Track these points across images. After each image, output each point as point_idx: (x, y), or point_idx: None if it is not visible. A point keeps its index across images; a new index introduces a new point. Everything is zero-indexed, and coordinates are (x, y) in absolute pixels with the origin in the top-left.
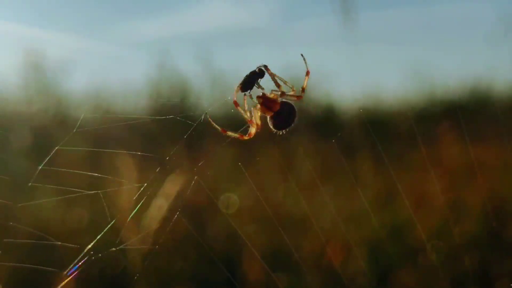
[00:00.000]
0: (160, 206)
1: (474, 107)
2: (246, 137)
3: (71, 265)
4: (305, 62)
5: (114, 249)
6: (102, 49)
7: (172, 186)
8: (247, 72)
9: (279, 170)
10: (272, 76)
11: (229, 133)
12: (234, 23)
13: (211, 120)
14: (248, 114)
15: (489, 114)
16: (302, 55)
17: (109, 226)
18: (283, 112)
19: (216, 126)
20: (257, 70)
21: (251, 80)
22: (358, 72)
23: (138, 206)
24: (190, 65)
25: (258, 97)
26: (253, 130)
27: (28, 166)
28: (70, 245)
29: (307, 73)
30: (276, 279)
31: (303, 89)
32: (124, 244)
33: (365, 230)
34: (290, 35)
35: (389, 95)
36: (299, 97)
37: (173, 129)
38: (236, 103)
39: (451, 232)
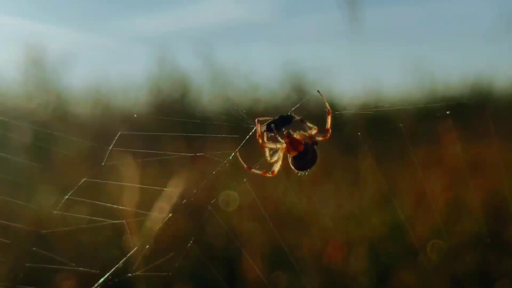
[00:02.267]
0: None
1: (475, 104)
2: (269, 175)
3: None
4: (325, 102)
5: (130, 275)
6: (102, 44)
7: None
8: (276, 116)
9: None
10: (301, 121)
11: (254, 170)
12: (235, 18)
13: (240, 158)
14: (271, 152)
15: (490, 110)
16: (319, 91)
17: (132, 252)
18: (307, 154)
19: (243, 163)
20: (286, 115)
21: (277, 123)
22: (360, 69)
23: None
24: (191, 61)
25: (285, 136)
26: (276, 168)
27: (28, 163)
28: (93, 271)
29: (329, 113)
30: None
31: (327, 130)
32: (141, 270)
33: (364, 229)
34: (292, 31)
35: (391, 92)
36: (325, 137)
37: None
38: (263, 145)
39: (451, 231)
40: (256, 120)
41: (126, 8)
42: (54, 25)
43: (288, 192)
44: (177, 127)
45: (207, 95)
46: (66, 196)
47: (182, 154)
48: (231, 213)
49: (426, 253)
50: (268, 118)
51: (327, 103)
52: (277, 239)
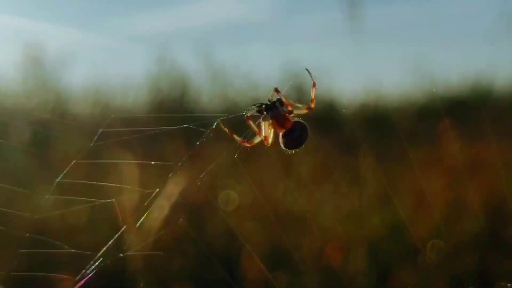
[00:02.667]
0: (161, 206)
1: (475, 104)
2: (247, 144)
3: (84, 272)
4: (310, 75)
5: (122, 255)
6: (101, 43)
7: (174, 187)
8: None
9: (279, 167)
10: (284, 98)
11: (235, 136)
12: (234, 18)
13: (221, 125)
14: (258, 128)
15: (490, 110)
16: (307, 69)
17: (120, 232)
18: (295, 131)
19: (225, 129)
20: (277, 100)
21: (270, 107)
22: (360, 68)
23: (147, 213)
24: (190, 60)
25: (270, 115)
26: (256, 140)
27: (28, 161)
28: (86, 252)
29: (314, 85)
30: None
31: (312, 101)
32: (133, 251)
33: (364, 229)
34: (292, 30)
35: (390, 91)
36: (309, 108)
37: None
38: (248, 118)
39: (450, 231)
40: (245, 118)
41: (126, 7)
42: (53, 24)
43: (287, 192)
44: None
45: (207, 94)
46: (57, 179)
47: (164, 128)
48: (230, 213)
49: (426, 253)
50: (254, 108)
51: (312, 76)
52: (276, 239)
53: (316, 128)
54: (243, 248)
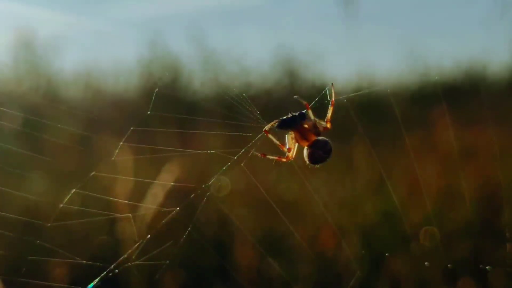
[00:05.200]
0: (157, 195)
1: (469, 89)
2: (284, 160)
3: (94, 283)
4: (332, 93)
5: (130, 264)
6: (93, 28)
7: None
8: (288, 115)
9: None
10: (310, 118)
11: (269, 156)
12: (226, 2)
13: (270, 136)
14: (280, 142)
15: (484, 95)
16: (332, 84)
17: (136, 245)
18: (321, 142)
19: (275, 141)
20: (297, 114)
21: (290, 121)
22: (353, 53)
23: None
24: (182, 45)
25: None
26: (291, 154)
27: (20, 147)
28: (97, 263)
29: (332, 104)
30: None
31: (327, 121)
32: (141, 260)
33: (357, 215)
34: (284, 14)
35: (384, 76)
36: (325, 128)
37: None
38: (267, 132)
39: (444, 218)
40: (263, 131)
41: None
42: (45, 8)
43: (280, 179)
44: (168, 111)
45: (199, 79)
46: (73, 190)
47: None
48: (223, 199)
49: (419, 240)
50: (274, 123)
51: (332, 94)
52: (269, 226)
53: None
54: (236, 234)
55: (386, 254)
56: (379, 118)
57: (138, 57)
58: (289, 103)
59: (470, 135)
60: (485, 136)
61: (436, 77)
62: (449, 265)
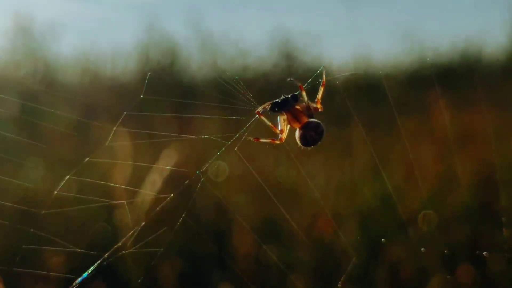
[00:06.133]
0: (153, 181)
1: (464, 71)
2: (278, 142)
3: (88, 272)
4: (324, 75)
5: (124, 252)
6: (90, 12)
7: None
8: (281, 96)
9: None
10: (303, 101)
11: (262, 140)
12: None
13: (263, 118)
14: (272, 123)
15: (480, 77)
16: (324, 66)
17: (131, 233)
18: (312, 123)
19: (268, 123)
20: (290, 96)
21: (282, 104)
22: (350, 35)
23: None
24: (179, 28)
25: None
26: (284, 135)
27: (16, 133)
28: (91, 252)
29: (323, 84)
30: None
31: (317, 101)
32: (135, 247)
33: (354, 201)
34: None
35: (381, 58)
36: (315, 109)
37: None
38: (259, 114)
39: (441, 202)
40: (256, 113)
41: None
42: None
43: (277, 164)
44: (166, 94)
45: (196, 62)
46: (67, 177)
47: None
48: (220, 185)
49: (417, 225)
50: (267, 106)
51: (324, 76)
52: (266, 211)
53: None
54: (233, 221)
55: (383, 240)
56: (376, 101)
57: (136, 41)
58: (286, 86)
59: (466, 118)
60: (481, 118)
61: (428, 58)
62: (445, 251)
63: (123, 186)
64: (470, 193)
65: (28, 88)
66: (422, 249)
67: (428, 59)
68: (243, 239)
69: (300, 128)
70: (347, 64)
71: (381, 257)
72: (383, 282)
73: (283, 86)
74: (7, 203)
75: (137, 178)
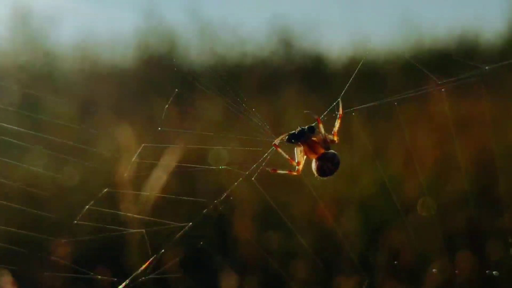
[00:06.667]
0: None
1: (462, 56)
2: (295, 173)
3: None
4: (340, 107)
5: (143, 278)
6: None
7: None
8: (298, 128)
9: (269, 126)
10: (320, 132)
11: (279, 171)
12: None
13: (280, 150)
14: (289, 156)
15: (477, 63)
16: (339, 100)
17: (152, 259)
18: (329, 154)
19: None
20: (306, 128)
21: (299, 135)
22: (348, 21)
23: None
24: (178, 15)
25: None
26: (300, 167)
27: (17, 121)
28: (111, 278)
29: (339, 117)
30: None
31: (335, 133)
32: (156, 272)
33: (354, 187)
34: None
35: (378, 45)
36: (332, 141)
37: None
38: (276, 146)
39: (441, 188)
40: (273, 145)
41: None
42: None
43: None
44: (165, 82)
45: (195, 49)
46: (87, 206)
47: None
48: (221, 171)
49: (417, 211)
50: (283, 137)
51: (341, 109)
52: (267, 198)
53: (304, 83)
54: (235, 207)
55: (383, 225)
56: (375, 87)
57: (135, 28)
58: (284, 71)
59: (464, 104)
60: (479, 105)
61: (416, 40)
62: (445, 236)
63: (138, 216)
64: (469, 179)
65: (28, 75)
66: (420, 234)
67: (425, 44)
68: (244, 225)
69: (317, 159)
70: (346, 50)
71: (381, 242)
72: (382, 267)
73: (282, 74)
74: (23, 232)
75: (143, 168)
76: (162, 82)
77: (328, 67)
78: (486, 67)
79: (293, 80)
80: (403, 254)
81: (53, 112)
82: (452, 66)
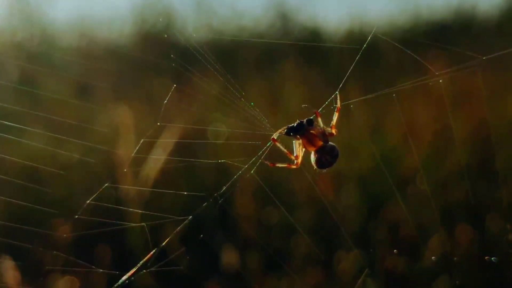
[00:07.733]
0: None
1: (459, 28)
2: (294, 166)
3: None
4: (338, 100)
5: (144, 271)
6: None
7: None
8: (296, 121)
9: (267, 102)
10: (318, 124)
11: (278, 164)
12: None
13: (278, 144)
14: (287, 150)
15: (474, 34)
16: (337, 93)
17: (151, 253)
18: (327, 146)
19: (283, 149)
20: (305, 121)
21: (298, 128)
22: None
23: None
24: None
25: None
26: (299, 160)
27: (16, 100)
28: (114, 272)
29: (337, 110)
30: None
31: (332, 126)
32: (156, 266)
33: (353, 161)
34: None
35: (375, 17)
36: (330, 134)
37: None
38: (274, 140)
39: (440, 161)
40: (271, 140)
41: None
42: None
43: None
44: (162, 57)
45: (192, 24)
46: (87, 202)
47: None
48: (222, 146)
49: (416, 185)
50: (282, 131)
51: (339, 102)
52: (265, 174)
53: (301, 57)
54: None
55: (382, 199)
56: (373, 60)
57: (131, 3)
58: (282, 46)
59: (461, 77)
60: (476, 78)
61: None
62: (444, 209)
63: (139, 211)
64: (467, 152)
65: (26, 53)
66: (417, 208)
67: (423, 16)
68: (245, 201)
69: (316, 152)
70: (343, 23)
71: (380, 217)
72: (382, 241)
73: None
74: (32, 246)
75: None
76: (159, 58)
77: (325, 41)
78: (484, 58)
79: (290, 55)
80: (402, 229)
81: (50, 90)
82: (451, 37)
